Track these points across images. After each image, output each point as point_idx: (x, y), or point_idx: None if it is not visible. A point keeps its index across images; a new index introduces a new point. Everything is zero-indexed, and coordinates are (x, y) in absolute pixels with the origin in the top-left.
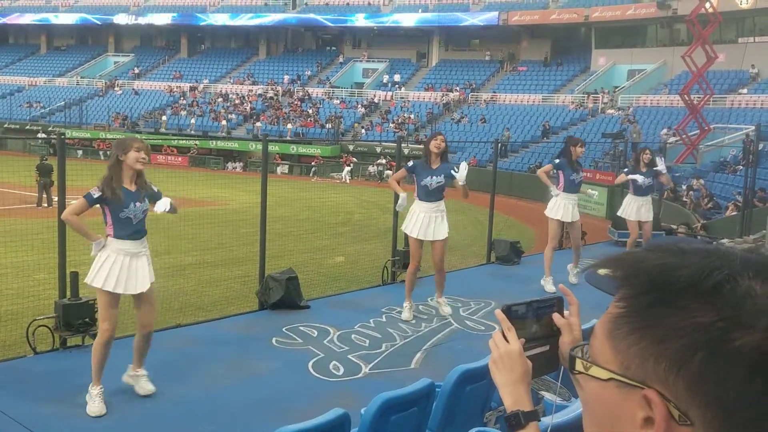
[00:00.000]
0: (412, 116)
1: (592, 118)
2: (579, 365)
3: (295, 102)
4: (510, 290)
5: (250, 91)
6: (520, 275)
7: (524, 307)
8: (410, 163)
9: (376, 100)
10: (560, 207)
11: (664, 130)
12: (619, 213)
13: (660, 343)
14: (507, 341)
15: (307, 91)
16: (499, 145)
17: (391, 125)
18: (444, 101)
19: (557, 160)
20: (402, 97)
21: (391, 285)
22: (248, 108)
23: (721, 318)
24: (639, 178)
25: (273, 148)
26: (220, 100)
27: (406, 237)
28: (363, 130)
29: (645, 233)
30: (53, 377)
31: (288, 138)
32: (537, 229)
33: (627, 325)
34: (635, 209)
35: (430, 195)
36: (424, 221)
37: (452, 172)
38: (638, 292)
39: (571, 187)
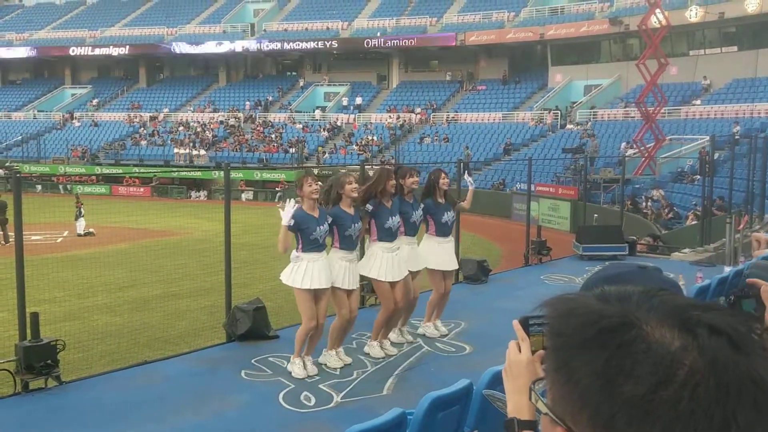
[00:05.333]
0: (375, 138)
1: (552, 134)
2: (532, 397)
3: (258, 128)
4: (479, 309)
5: (212, 118)
6: (488, 293)
7: (539, 320)
8: (369, 207)
9: (338, 123)
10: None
11: (623, 144)
12: (430, 266)
13: (566, 384)
14: (520, 351)
15: (267, 118)
16: (462, 164)
17: (355, 147)
18: (407, 122)
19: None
20: (364, 120)
21: (361, 310)
22: (210, 136)
23: (609, 365)
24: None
25: (236, 174)
26: (181, 128)
27: (373, 283)
28: (326, 154)
29: (447, 287)
30: (16, 422)
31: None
32: (503, 246)
33: (548, 364)
34: (442, 256)
35: (392, 235)
36: (389, 263)
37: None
38: (551, 333)
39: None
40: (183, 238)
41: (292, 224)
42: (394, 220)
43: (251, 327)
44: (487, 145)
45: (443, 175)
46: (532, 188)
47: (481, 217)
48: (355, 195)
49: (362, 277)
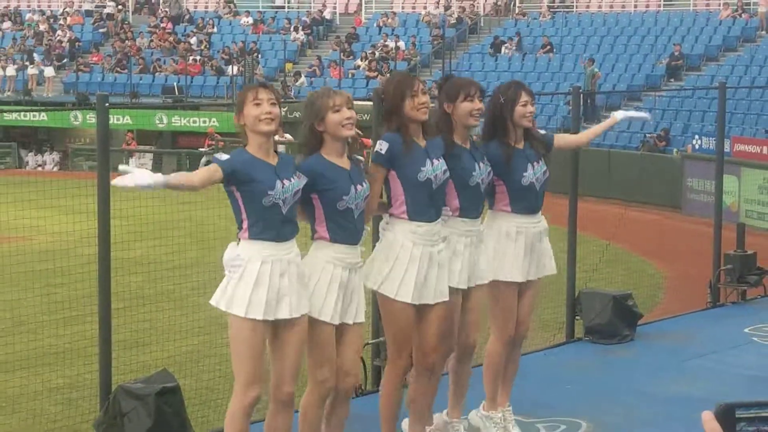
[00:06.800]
0: (401, 44)
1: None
2: None
3: (163, 26)
4: (616, 394)
5: (68, 5)
6: (635, 362)
7: (754, 413)
8: (382, 147)
9: (326, 16)
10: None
11: None
12: (498, 273)
13: None
14: None
15: (181, 4)
16: (582, 97)
17: (360, 63)
18: (467, 12)
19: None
20: (380, 7)
21: (374, 395)
22: (66, 40)
23: None
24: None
25: (120, 120)
26: (4, 25)
27: (380, 304)
28: (302, 78)
29: (523, 320)
30: None
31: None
32: (666, 265)
33: None
34: (520, 253)
35: (432, 201)
36: (421, 267)
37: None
38: None
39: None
40: (12, 249)
41: (225, 163)
42: (437, 167)
43: (152, 428)
44: (633, 58)
45: (523, 95)
46: (727, 148)
47: (618, 204)
48: (351, 132)
49: (374, 297)
